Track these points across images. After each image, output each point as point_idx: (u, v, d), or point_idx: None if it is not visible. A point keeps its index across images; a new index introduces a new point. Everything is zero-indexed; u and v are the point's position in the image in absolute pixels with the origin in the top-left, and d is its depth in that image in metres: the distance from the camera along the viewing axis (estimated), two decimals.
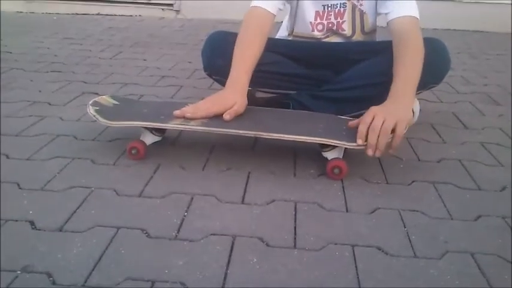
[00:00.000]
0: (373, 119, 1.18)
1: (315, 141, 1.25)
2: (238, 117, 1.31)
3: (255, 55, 1.37)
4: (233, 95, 1.31)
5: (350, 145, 1.22)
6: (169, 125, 1.28)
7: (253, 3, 1.46)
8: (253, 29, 1.42)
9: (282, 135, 1.25)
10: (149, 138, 1.38)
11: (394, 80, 1.28)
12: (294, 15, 1.57)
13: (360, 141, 1.19)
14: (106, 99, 1.45)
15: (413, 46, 1.34)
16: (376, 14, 1.53)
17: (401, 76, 1.28)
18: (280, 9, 1.49)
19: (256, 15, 1.44)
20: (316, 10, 1.52)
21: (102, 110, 1.36)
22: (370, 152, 1.17)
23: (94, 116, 1.32)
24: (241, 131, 1.25)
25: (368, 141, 1.17)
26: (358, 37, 1.56)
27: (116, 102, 1.45)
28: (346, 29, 1.54)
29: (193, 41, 3.06)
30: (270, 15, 1.44)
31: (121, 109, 1.41)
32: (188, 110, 1.28)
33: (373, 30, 1.59)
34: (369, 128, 1.17)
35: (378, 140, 1.16)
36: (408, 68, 1.30)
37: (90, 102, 1.39)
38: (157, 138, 1.40)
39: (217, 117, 1.29)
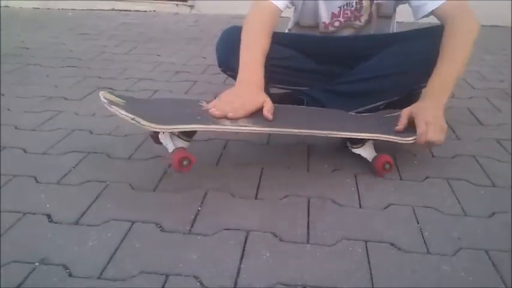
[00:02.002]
0: (427, 128, 1.20)
1: (369, 138, 1.24)
2: (280, 115, 1.22)
3: (264, 47, 1.34)
4: (260, 91, 1.26)
5: (405, 140, 1.22)
6: (221, 127, 1.12)
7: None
8: (260, 21, 1.40)
9: (337, 132, 1.20)
10: (178, 143, 1.19)
11: (432, 77, 1.27)
12: (302, 11, 1.56)
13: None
14: (113, 97, 1.28)
15: (454, 37, 1.29)
16: (396, 3, 1.50)
17: (441, 76, 1.27)
18: (288, 7, 1.47)
19: (263, 6, 1.43)
20: (332, 12, 1.51)
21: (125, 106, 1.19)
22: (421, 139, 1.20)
23: (133, 119, 1.09)
24: (297, 130, 1.17)
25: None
26: (374, 23, 1.54)
27: (123, 101, 1.27)
28: (363, 20, 1.53)
29: (207, 37, 3.07)
30: (276, 9, 1.43)
31: (145, 109, 1.23)
32: (227, 109, 1.16)
33: (389, 16, 1.56)
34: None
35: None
36: (450, 69, 1.27)
37: (105, 100, 1.21)
38: (187, 144, 1.21)
39: (254, 117, 1.18)
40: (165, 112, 1.24)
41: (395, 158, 1.36)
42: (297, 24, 1.61)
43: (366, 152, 1.30)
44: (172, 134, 1.18)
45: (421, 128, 1.20)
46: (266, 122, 1.17)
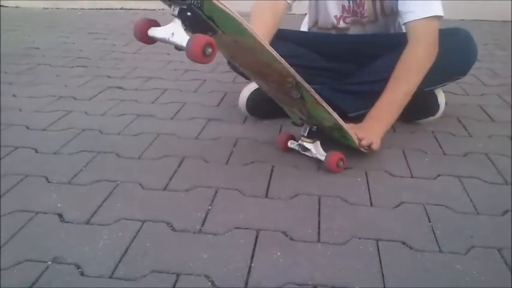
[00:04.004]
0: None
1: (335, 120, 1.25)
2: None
3: (268, 24, 1.40)
4: None
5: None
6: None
7: None
8: (265, 3, 1.44)
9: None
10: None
11: (379, 99, 1.35)
12: (316, 9, 1.56)
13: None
14: None
15: (412, 64, 1.35)
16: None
17: (387, 99, 1.35)
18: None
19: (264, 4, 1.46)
20: (343, 4, 1.52)
21: None
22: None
23: None
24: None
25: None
26: (381, 20, 1.55)
27: None
28: (368, 15, 1.53)
29: None
30: (282, 2, 1.44)
31: None
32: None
33: (394, 13, 1.57)
34: None
35: None
36: (397, 93, 1.35)
37: None
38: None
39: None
40: None
41: (406, 155, 1.35)
42: (314, 24, 1.62)
43: (317, 149, 1.31)
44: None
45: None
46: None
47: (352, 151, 1.32)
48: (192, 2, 0.90)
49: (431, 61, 1.36)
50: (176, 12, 0.92)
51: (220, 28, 0.96)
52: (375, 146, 1.30)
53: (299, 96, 1.20)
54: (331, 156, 1.27)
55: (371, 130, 1.32)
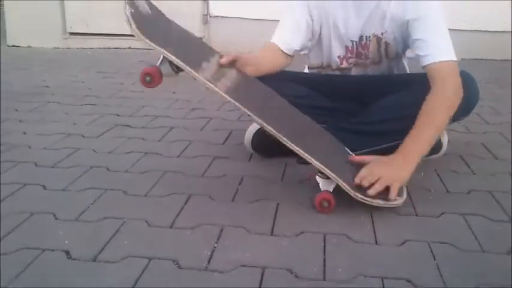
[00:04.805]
0: (370, 172, 1.27)
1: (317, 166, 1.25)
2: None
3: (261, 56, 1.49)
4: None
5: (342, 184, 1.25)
6: (198, 76, 1.21)
7: (272, 39, 1.53)
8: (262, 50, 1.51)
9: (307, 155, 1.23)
10: (165, 69, 1.26)
11: (408, 136, 1.32)
12: (321, 53, 1.61)
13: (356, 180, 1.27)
14: (143, 3, 1.32)
15: (441, 108, 1.34)
16: (403, 45, 1.55)
17: (416, 137, 1.32)
18: (296, 50, 1.54)
19: (269, 48, 1.52)
20: (346, 45, 1.56)
21: (137, 18, 1.23)
22: (365, 183, 1.26)
23: (128, 19, 1.19)
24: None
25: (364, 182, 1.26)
26: (384, 62, 1.58)
27: (150, 12, 1.34)
28: (373, 57, 1.57)
29: None
30: (282, 54, 1.51)
31: (154, 24, 1.33)
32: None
33: (399, 56, 1.61)
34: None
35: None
36: (427, 131, 1.33)
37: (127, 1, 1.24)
38: (172, 74, 1.27)
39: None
40: (172, 36, 1.36)
41: (409, 193, 1.36)
42: (318, 66, 1.66)
43: (326, 183, 1.30)
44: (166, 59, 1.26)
45: (361, 172, 1.28)
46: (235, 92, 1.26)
47: None
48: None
49: (458, 102, 1.36)
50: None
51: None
52: (394, 190, 1.25)
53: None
54: (317, 195, 1.27)
55: (397, 166, 1.29)
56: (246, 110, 1.23)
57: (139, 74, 1.23)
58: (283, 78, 1.52)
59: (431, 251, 1.09)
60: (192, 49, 1.40)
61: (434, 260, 1.06)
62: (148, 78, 1.23)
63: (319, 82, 1.61)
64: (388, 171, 1.27)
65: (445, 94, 1.36)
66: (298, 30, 1.52)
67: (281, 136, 1.22)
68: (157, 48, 1.22)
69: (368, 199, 1.24)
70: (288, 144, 1.23)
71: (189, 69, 1.21)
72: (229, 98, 1.22)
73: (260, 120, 1.22)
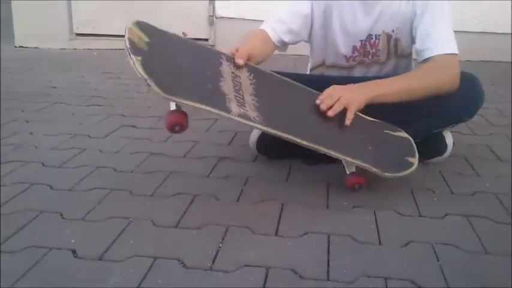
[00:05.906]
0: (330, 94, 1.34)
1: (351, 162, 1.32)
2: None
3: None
4: None
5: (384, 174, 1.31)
6: (224, 114, 1.14)
7: (261, 26, 1.54)
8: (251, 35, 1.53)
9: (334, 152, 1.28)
10: (186, 107, 1.15)
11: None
12: (325, 50, 1.61)
13: (317, 102, 1.34)
14: (137, 35, 1.17)
15: (428, 76, 1.39)
16: (412, 42, 1.55)
17: (389, 80, 1.41)
18: (284, 42, 1.54)
19: (258, 33, 1.53)
20: (354, 45, 1.56)
21: (147, 63, 1.11)
22: (323, 107, 1.32)
23: (144, 78, 1.07)
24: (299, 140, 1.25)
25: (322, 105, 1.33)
26: (392, 61, 1.59)
27: (147, 40, 1.19)
28: (381, 55, 1.57)
29: None
30: (271, 42, 1.52)
31: (163, 59, 1.20)
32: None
33: (409, 54, 1.61)
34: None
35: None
36: (401, 81, 1.39)
37: (128, 44, 1.11)
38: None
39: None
40: (183, 69, 1.22)
41: (414, 194, 1.37)
42: (321, 64, 1.65)
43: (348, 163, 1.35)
44: None
45: (322, 94, 1.35)
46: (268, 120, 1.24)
47: (361, 191, 1.34)
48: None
49: (448, 88, 1.39)
50: None
51: None
52: (350, 113, 1.31)
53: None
54: (349, 177, 1.35)
55: (356, 89, 1.35)
56: (284, 135, 1.23)
57: (165, 122, 1.11)
58: None
59: (435, 252, 1.09)
60: (205, 74, 1.26)
61: (438, 261, 1.06)
62: (177, 128, 1.12)
63: (320, 85, 1.61)
64: (346, 93, 1.33)
65: (440, 74, 1.40)
66: (293, 21, 1.53)
67: (313, 145, 1.26)
68: (185, 102, 1.09)
69: (386, 174, 1.31)
70: (314, 149, 1.28)
71: (222, 113, 1.14)
72: (267, 129, 1.22)
73: (292, 137, 1.24)
